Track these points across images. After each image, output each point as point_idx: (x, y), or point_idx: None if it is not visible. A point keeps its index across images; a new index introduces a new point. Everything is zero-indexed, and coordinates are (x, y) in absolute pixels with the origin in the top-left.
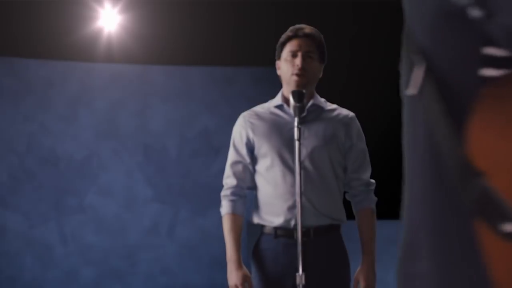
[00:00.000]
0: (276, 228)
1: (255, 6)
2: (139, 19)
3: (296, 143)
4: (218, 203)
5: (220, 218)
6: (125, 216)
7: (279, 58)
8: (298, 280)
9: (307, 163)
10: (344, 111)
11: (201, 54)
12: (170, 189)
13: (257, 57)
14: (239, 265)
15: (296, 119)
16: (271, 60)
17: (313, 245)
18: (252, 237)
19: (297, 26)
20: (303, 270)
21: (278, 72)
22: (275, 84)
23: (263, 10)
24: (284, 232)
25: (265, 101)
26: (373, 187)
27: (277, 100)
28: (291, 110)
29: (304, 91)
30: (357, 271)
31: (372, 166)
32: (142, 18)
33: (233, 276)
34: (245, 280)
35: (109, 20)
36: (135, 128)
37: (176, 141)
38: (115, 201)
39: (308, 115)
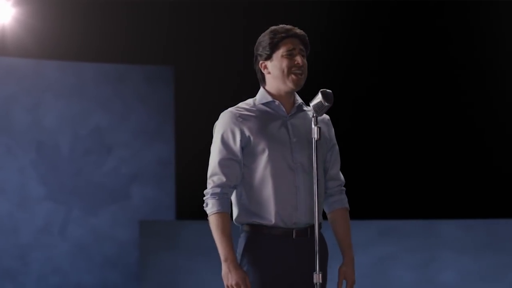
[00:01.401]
0: (273, 228)
1: (149, 5)
2: (33, 13)
3: (314, 142)
4: (110, 202)
5: (112, 217)
6: (17, 215)
7: (269, 58)
8: (315, 279)
9: (305, 162)
10: None
11: (94, 50)
12: (62, 187)
13: (149, 55)
14: (237, 264)
15: (313, 119)
16: (163, 59)
17: (309, 243)
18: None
19: (285, 26)
20: (301, 269)
21: (265, 71)
22: (167, 83)
23: (156, 10)
24: (282, 231)
25: (158, 99)
26: (344, 188)
27: (265, 97)
28: (283, 108)
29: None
30: (342, 268)
31: None
32: (36, 12)
33: (233, 275)
34: (245, 279)
35: (3, 13)
36: (28, 124)
37: (69, 138)
38: (7, 199)
39: (296, 114)
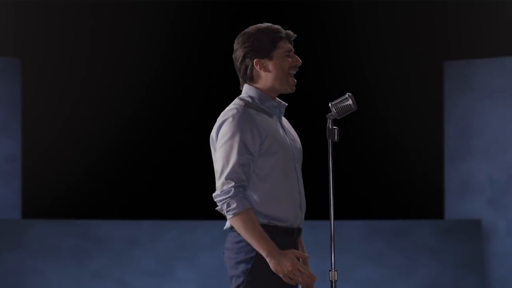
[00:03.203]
0: (282, 228)
1: None
2: None
3: (329, 142)
4: None
5: None
6: None
7: (268, 56)
8: (331, 277)
9: (299, 163)
10: None
11: None
12: None
13: None
14: (281, 251)
15: (330, 121)
16: (12, 50)
17: (298, 242)
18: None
19: (277, 26)
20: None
21: (261, 69)
22: (14, 76)
23: (3, 1)
24: (288, 231)
25: (5, 93)
26: None
27: (265, 97)
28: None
29: None
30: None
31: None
32: None
33: (285, 263)
34: (295, 259)
35: None
36: None
37: None
38: None
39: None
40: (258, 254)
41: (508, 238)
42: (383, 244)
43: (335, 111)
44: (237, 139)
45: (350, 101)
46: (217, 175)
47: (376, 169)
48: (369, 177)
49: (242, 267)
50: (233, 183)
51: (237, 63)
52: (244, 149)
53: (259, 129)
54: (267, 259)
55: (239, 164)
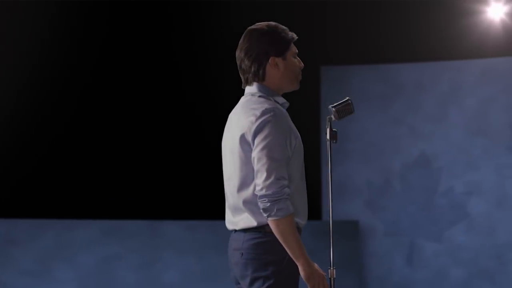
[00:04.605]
0: (299, 229)
1: None
2: None
3: (329, 144)
4: None
5: None
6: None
7: (281, 55)
8: (330, 274)
9: None
10: None
11: None
12: None
13: None
14: (313, 263)
15: (329, 123)
16: None
17: None
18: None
19: (285, 27)
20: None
21: (275, 68)
22: None
23: None
24: (299, 231)
25: None
26: None
27: (281, 97)
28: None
29: None
30: None
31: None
32: None
33: (318, 273)
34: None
35: None
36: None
37: None
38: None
39: None
40: (288, 255)
41: (384, 239)
42: None
43: (336, 114)
44: (280, 140)
45: (350, 105)
46: (262, 174)
47: None
48: None
49: (272, 268)
50: (282, 184)
51: (247, 60)
52: (285, 150)
53: (293, 130)
54: (301, 267)
55: (284, 163)
